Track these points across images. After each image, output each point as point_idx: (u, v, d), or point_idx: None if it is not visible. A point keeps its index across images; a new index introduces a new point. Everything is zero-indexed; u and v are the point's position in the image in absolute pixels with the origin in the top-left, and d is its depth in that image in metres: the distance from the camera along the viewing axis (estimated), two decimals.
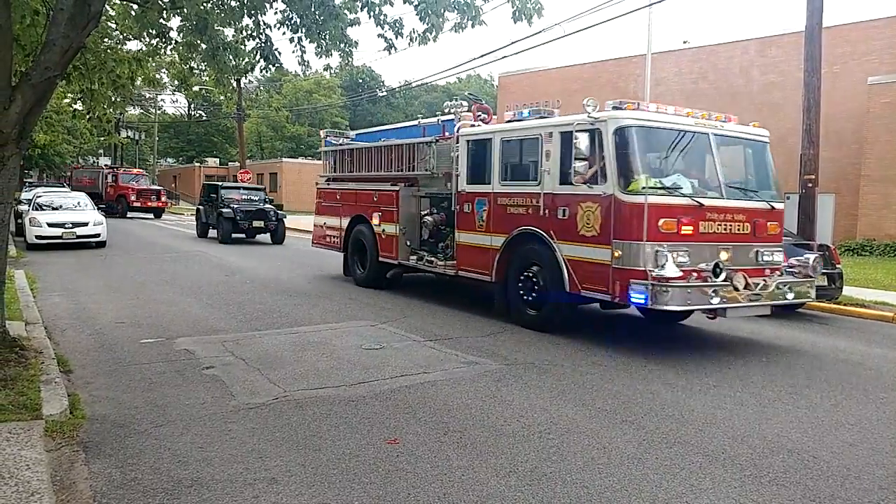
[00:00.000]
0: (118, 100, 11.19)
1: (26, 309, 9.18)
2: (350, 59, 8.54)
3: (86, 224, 19.05)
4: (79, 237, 18.73)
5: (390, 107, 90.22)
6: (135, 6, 8.52)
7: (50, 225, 18.60)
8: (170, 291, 11.80)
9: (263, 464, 4.48)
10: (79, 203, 20.88)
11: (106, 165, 48.18)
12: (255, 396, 5.94)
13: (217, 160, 71.53)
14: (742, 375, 7.16)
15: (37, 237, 18.44)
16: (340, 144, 14.46)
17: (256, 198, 24.52)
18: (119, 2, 9.64)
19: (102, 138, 40.42)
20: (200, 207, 25.33)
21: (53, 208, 19.91)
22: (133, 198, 37.57)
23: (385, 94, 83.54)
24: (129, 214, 37.33)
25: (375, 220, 12.17)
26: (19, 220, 20.78)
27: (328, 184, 14.42)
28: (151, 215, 38.22)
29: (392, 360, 7.33)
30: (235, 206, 22.91)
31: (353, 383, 6.41)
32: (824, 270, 11.66)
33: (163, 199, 39.52)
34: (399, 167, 12.06)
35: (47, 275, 13.45)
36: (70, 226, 18.73)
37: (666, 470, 4.52)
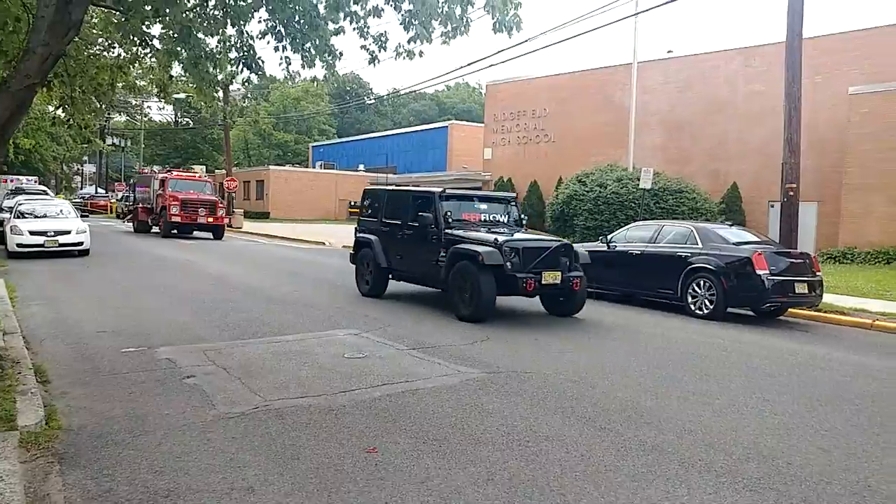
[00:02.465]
0: (101, 106, 11.17)
1: (5, 319, 9.12)
2: (334, 70, 8.56)
3: (68, 232, 18.90)
4: (61, 245, 18.57)
5: (379, 114, 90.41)
6: (117, 13, 8.51)
7: (32, 233, 18.45)
8: (153, 300, 11.75)
9: (241, 473, 4.47)
10: (61, 211, 20.75)
11: (160, 168, 36.64)
12: (235, 406, 5.92)
13: (203, 167, 71.26)
14: (721, 383, 7.22)
15: (18, 245, 18.27)
16: None
17: (505, 215, 12.56)
18: (102, 9, 9.64)
19: (85, 145, 38.25)
20: (371, 238, 12.94)
21: (36, 216, 19.75)
22: (174, 211, 27.55)
23: (373, 101, 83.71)
24: (178, 234, 28.77)
25: None
26: (0, 228, 20.60)
27: None
28: (210, 235, 28.78)
29: (374, 369, 7.33)
30: (489, 236, 10.91)
31: (334, 392, 6.40)
32: (805, 278, 11.83)
33: (219, 213, 28.76)
34: None
35: (28, 284, 13.35)
36: (52, 234, 18.57)
37: (642, 477, 4.55)
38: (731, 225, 14.22)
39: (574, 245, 11.85)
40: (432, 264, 11.31)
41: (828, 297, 12.76)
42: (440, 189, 12.09)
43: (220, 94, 38.49)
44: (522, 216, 13.02)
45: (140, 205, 31.43)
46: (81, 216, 23.02)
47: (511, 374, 7.24)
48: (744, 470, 4.73)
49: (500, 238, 10.67)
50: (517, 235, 11.26)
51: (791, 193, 13.80)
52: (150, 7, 7.53)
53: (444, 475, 4.52)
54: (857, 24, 29.95)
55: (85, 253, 19.10)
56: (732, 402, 6.45)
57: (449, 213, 11.53)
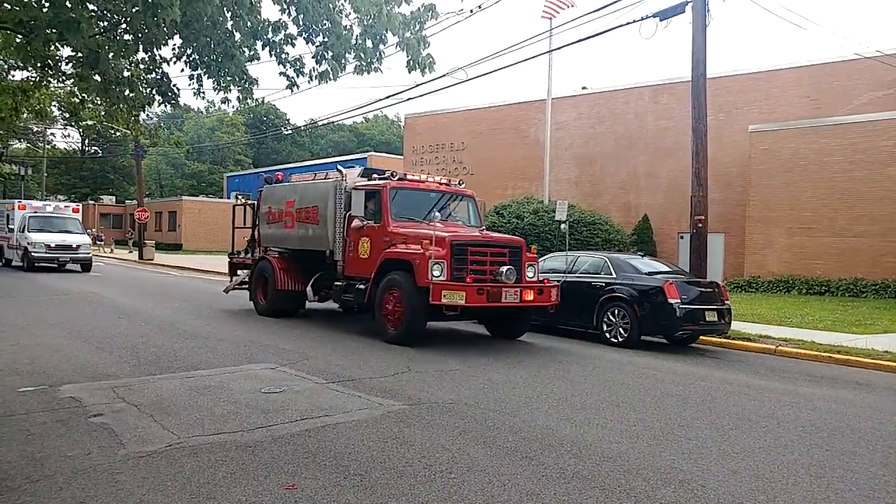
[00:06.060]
0: (1, 132, 10.62)
1: None
2: (250, 96, 8.43)
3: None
4: None
5: (296, 145, 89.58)
6: (18, 35, 8.13)
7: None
8: (55, 335, 11.12)
9: None
10: None
11: (346, 170, 18.18)
12: (146, 444, 5.64)
13: (113, 198, 68.89)
14: (637, 409, 7.38)
15: None
16: None
17: None
18: (1, 31, 9.19)
19: None
20: None
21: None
22: (437, 274, 10.67)
23: (290, 132, 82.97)
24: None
25: None
26: None
27: None
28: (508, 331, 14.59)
29: (292, 403, 7.15)
30: None
31: (250, 428, 6.19)
32: (714, 306, 12.29)
33: (528, 272, 11.91)
34: None
35: None
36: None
37: None
38: (642, 255, 14.70)
39: None
40: None
41: (735, 325, 13.31)
42: None
43: (134, 117, 37.37)
44: None
45: (273, 253, 15.13)
46: None
47: (433, 406, 7.19)
48: (662, 494, 4.82)
49: None
50: None
51: (700, 225, 14.41)
52: (53, 30, 7.23)
53: None
54: (755, 65, 31.93)
55: None
56: (648, 428, 6.60)
57: None
